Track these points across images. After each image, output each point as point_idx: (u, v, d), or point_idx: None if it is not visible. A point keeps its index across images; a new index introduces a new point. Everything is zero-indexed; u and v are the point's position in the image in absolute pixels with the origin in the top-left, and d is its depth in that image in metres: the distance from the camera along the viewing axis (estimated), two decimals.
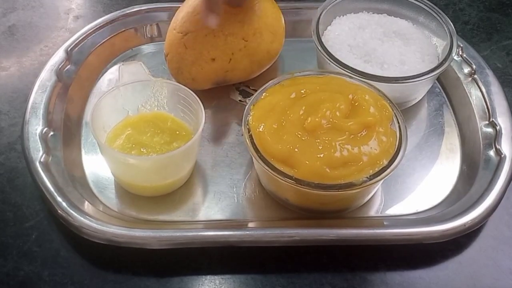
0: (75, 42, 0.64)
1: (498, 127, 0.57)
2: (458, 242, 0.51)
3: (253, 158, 0.49)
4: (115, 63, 0.66)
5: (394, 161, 0.49)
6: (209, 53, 0.58)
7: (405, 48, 0.61)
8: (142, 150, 0.53)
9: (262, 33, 0.59)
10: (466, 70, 0.63)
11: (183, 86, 0.55)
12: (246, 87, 0.63)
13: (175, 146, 0.53)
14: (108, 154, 0.52)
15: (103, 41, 0.65)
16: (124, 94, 0.54)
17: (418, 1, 0.63)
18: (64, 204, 0.50)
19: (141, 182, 0.53)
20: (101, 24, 0.66)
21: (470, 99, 0.61)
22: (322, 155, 0.47)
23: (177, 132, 0.54)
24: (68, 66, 0.62)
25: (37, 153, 0.53)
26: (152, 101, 0.56)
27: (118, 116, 0.55)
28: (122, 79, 0.54)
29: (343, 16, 0.65)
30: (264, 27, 0.60)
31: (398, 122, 0.52)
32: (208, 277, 0.50)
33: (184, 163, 0.53)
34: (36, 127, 0.55)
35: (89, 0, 0.76)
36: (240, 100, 0.62)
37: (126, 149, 0.53)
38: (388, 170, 0.48)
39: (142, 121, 0.55)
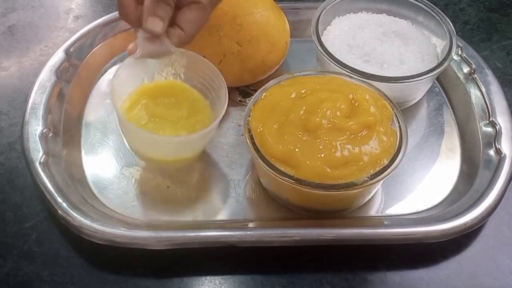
0: (75, 43, 0.63)
1: (498, 127, 0.57)
2: (458, 242, 0.51)
3: (254, 158, 0.49)
4: (114, 64, 0.66)
5: (394, 160, 0.49)
6: (200, 50, 0.57)
7: (405, 48, 0.61)
8: (158, 122, 0.52)
9: (259, 41, 0.59)
10: (466, 69, 0.63)
11: (207, 60, 0.53)
12: (246, 87, 0.63)
13: (192, 120, 0.53)
14: (126, 128, 0.52)
15: (103, 41, 0.65)
16: (141, 60, 0.52)
17: (418, 1, 0.63)
18: (64, 204, 0.50)
19: (156, 156, 0.53)
20: (100, 25, 0.66)
21: (470, 98, 0.61)
22: (322, 155, 0.47)
23: (194, 105, 0.54)
24: (68, 67, 0.62)
25: (37, 154, 0.53)
26: (169, 69, 0.55)
27: (133, 83, 0.54)
28: (141, 46, 0.51)
29: (342, 16, 0.65)
30: (263, 35, 0.59)
31: (399, 122, 0.52)
32: (208, 277, 0.50)
33: (201, 143, 0.53)
34: (36, 127, 0.55)
35: (89, 0, 0.76)
36: (240, 100, 0.62)
37: (142, 120, 0.52)
38: (389, 170, 0.48)
39: (158, 89, 0.54)
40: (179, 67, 0.55)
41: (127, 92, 0.54)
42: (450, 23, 0.61)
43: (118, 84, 0.51)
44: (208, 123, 0.52)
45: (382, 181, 0.49)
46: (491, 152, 0.56)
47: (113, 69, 0.65)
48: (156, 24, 0.49)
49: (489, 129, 0.58)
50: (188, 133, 0.52)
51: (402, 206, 0.54)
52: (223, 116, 0.60)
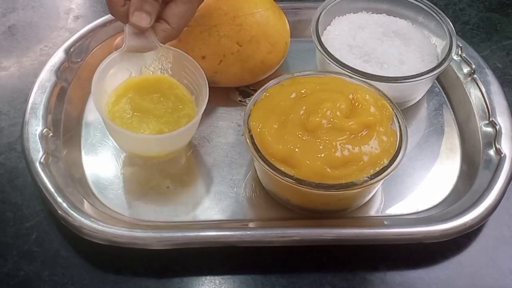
0: (75, 43, 0.63)
1: (497, 127, 0.57)
2: (458, 242, 0.51)
3: (254, 158, 0.49)
4: None
5: (394, 160, 0.49)
6: (200, 50, 0.58)
7: (405, 48, 0.61)
8: (142, 117, 0.53)
9: (259, 41, 0.59)
10: (466, 70, 0.63)
11: (189, 56, 0.54)
12: (246, 87, 0.63)
13: (176, 116, 0.53)
14: (107, 125, 0.52)
15: (103, 41, 0.65)
16: (128, 54, 0.53)
17: (418, 1, 0.63)
18: (64, 204, 0.50)
19: (139, 152, 0.54)
20: (100, 24, 0.65)
21: (470, 98, 0.61)
22: (322, 155, 0.47)
23: (180, 100, 0.54)
24: (68, 67, 0.62)
25: (37, 154, 0.53)
26: (156, 64, 0.55)
27: (120, 77, 0.55)
28: (127, 40, 0.52)
29: (342, 16, 0.65)
30: (263, 36, 0.59)
31: (399, 122, 0.52)
32: (208, 277, 0.50)
33: (182, 139, 0.54)
34: (36, 127, 0.55)
35: (89, 0, 0.76)
36: (240, 100, 0.62)
37: (126, 114, 0.53)
38: (389, 170, 0.48)
39: (145, 83, 0.55)
40: (166, 62, 0.55)
41: (114, 85, 0.54)
42: (450, 23, 0.61)
43: (101, 79, 0.52)
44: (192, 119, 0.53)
45: (382, 181, 0.49)
46: (491, 152, 0.56)
47: None
48: (143, 19, 0.50)
49: (489, 129, 0.58)
50: (172, 128, 0.52)
51: (402, 206, 0.54)
52: (223, 116, 0.61)
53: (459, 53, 0.64)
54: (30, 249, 0.51)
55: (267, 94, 0.53)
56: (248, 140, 0.50)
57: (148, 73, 0.56)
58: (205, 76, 0.52)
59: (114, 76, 0.54)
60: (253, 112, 0.51)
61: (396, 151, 0.49)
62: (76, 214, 0.49)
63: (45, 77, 0.60)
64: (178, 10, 0.52)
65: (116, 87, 0.55)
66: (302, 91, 0.52)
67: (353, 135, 0.49)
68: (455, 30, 0.61)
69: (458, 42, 0.62)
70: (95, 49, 0.65)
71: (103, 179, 0.55)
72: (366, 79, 0.55)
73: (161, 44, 0.52)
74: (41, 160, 0.53)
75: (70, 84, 0.61)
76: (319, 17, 0.62)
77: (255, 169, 0.55)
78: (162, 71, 0.56)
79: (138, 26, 0.50)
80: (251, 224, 0.52)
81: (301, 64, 0.66)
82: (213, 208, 0.53)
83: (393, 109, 0.52)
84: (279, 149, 0.48)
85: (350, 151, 0.48)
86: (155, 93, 0.55)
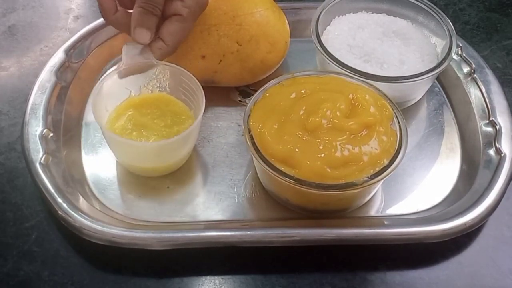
0: (75, 43, 0.63)
1: (498, 126, 0.57)
2: (458, 242, 0.51)
3: (254, 158, 0.49)
4: (114, 64, 0.65)
5: (394, 160, 0.49)
6: (200, 50, 0.58)
7: (405, 48, 0.61)
8: (142, 132, 0.54)
9: (258, 41, 0.59)
10: (466, 69, 0.63)
11: (186, 70, 0.54)
12: (246, 87, 0.63)
13: (176, 130, 0.54)
14: (108, 137, 0.53)
15: (103, 42, 0.65)
16: (126, 73, 0.54)
17: (418, 1, 0.63)
18: (64, 205, 0.50)
19: (140, 163, 0.54)
20: (101, 25, 0.65)
21: (470, 98, 0.61)
22: (322, 155, 0.47)
23: (178, 116, 0.55)
24: (68, 67, 0.62)
25: (37, 154, 0.53)
26: (154, 82, 0.57)
27: (120, 95, 0.56)
28: (125, 60, 0.54)
29: (342, 16, 0.65)
30: (262, 35, 0.59)
31: (399, 122, 0.52)
32: (208, 277, 0.50)
33: (181, 148, 0.54)
34: (36, 128, 0.55)
35: (89, 0, 0.76)
36: (240, 100, 0.62)
37: (127, 129, 0.54)
38: (389, 170, 0.48)
39: (145, 102, 0.56)
40: (163, 79, 0.56)
41: (114, 104, 0.55)
42: (450, 23, 0.61)
43: (100, 96, 0.53)
44: None
45: (382, 181, 0.49)
46: (491, 152, 0.56)
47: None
48: (143, 35, 0.52)
49: (489, 129, 0.58)
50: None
51: (402, 206, 0.54)
52: (223, 116, 0.61)
53: (459, 53, 0.64)
54: (30, 249, 0.51)
55: (267, 94, 0.53)
56: (248, 140, 0.50)
57: (147, 92, 0.57)
58: (201, 88, 0.53)
59: (113, 95, 0.55)
60: (253, 112, 0.51)
61: (396, 151, 0.49)
62: (76, 215, 0.49)
63: (45, 77, 0.60)
64: (173, 28, 0.53)
65: (117, 106, 0.56)
66: (302, 91, 0.52)
67: (353, 135, 0.49)
68: (455, 30, 0.61)
69: (458, 42, 0.62)
70: (95, 49, 0.65)
71: (103, 179, 0.55)
72: (366, 79, 0.55)
73: (158, 61, 0.54)
74: (41, 161, 0.53)
75: (70, 84, 0.61)
76: (319, 17, 0.62)
77: (255, 169, 0.55)
78: (161, 89, 0.57)
79: (139, 42, 0.53)
80: (251, 224, 0.52)
81: (301, 64, 0.66)
82: (213, 208, 0.53)
83: (393, 109, 0.52)
84: (279, 149, 0.48)
85: (350, 151, 0.48)
86: (154, 111, 0.56)
